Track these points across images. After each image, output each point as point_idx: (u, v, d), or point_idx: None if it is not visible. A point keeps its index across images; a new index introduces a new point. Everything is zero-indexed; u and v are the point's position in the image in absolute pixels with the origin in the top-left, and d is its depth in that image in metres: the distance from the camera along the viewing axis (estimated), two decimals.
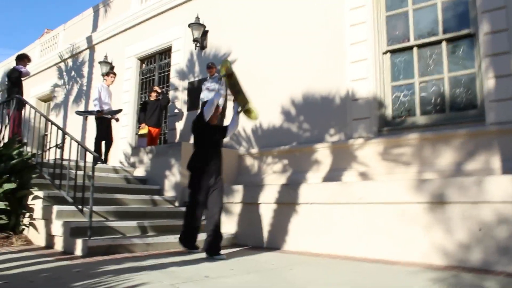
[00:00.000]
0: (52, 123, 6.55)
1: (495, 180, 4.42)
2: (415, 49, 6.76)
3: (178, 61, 10.48)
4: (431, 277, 3.96)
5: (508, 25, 5.81)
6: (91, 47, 13.47)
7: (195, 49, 9.97)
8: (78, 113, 10.90)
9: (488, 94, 5.89)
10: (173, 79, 10.47)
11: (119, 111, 9.84)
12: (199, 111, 8.37)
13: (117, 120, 9.64)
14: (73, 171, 5.78)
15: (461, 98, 6.33)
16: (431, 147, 6.17)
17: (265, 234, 6.14)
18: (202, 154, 5.30)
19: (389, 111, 6.92)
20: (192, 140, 8.88)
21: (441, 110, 6.45)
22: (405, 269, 4.39)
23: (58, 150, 6.16)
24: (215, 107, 5.41)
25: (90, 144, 11.84)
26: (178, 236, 5.53)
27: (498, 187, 4.36)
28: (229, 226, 6.63)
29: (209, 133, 5.45)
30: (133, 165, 8.51)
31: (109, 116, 9.40)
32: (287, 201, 5.92)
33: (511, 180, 4.31)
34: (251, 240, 6.32)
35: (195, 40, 9.75)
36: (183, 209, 6.97)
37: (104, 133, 9.33)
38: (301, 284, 3.64)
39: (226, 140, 8.83)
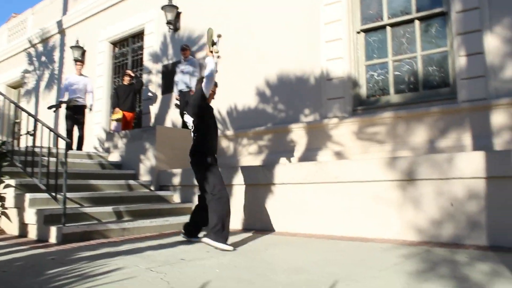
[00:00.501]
0: (23, 110, 6.40)
1: (466, 157, 4.49)
2: (388, 28, 6.78)
3: (151, 44, 10.32)
4: (404, 253, 4.03)
5: (480, 4, 5.86)
6: (61, 31, 13.15)
7: (169, 31, 9.83)
8: (49, 107, 10.63)
9: (460, 72, 5.96)
10: (147, 62, 10.33)
11: (57, 106, 9.75)
12: (194, 90, 8.30)
13: (90, 109, 9.52)
14: (46, 158, 5.67)
15: (434, 76, 6.40)
16: (405, 125, 6.23)
17: (241, 215, 6.14)
18: (211, 142, 4.88)
19: (363, 91, 6.95)
20: (167, 124, 8.78)
21: (415, 89, 6.51)
22: (379, 246, 4.46)
23: (30, 137, 6.03)
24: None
25: (63, 130, 11.65)
26: (154, 220, 5.49)
27: (469, 163, 4.43)
28: None
29: (211, 114, 5.00)
30: (107, 150, 8.39)
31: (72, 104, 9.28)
32: (263, 182, 5.93)
33: (481, 156, 4.39)
34: None
35: (168, 23, 9.61)
36: (159, 193, 6.97)
37: (70, 123, 9.21)
38: (278, 263, 3.66)
39: None
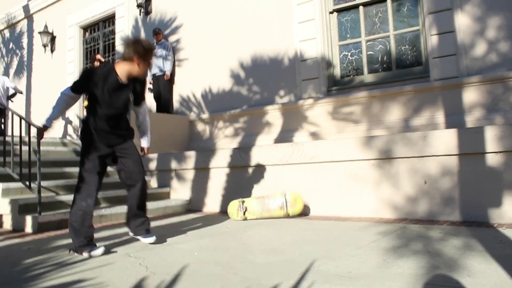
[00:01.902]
0: None
1: (439, 134, 4.57)
2: (361, 7, 6.80)
3: (122, 28, 10.13)
4: (380, 230, 4.10)
5: None
6: (29, 17, 12.79)
7: (140, 15, 9.65)
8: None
9: (432, 50, 6.03)
10: (119, 47, 10.14)
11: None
12: (167, 74, 8.20)
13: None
14: (18, 147, 5.55)
15: (406, 55, 6.46)
16: (379, 105, 6.30)
17: (219, 198, 6.16)
18: None
19: (337, 71, 6.98)
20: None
21: (388, 68, 6.57)
22: (356, 224, 4.53)
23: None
24: None
25: (35, 118, 11.43)
26: None
27: (442, 141, 4.51)
28: (182, 192, 6.62)
29: None
30: None
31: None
32: (240, 164, 5.94)
33: (453, 134, 4.47)
34: (205, 206, 6.33)
35: (139, 6, 9.44)
36: None
37: None
38: (256, 245, 3.69)
39: (176, 106, 8.73)
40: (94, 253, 3.49)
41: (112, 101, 3.67)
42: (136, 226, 3.93)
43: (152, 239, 3.86)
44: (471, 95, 5.68)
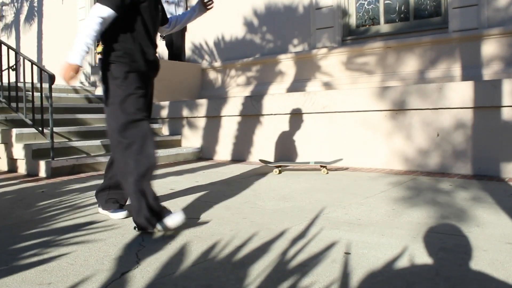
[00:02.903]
0: (2, 42, 6.18)
1: (455, 87, 4.48)
2: None
3: None
4: (390, 181, 4.10)
5: None
6: None
7: None
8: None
9: (452, 0, 5.82)
10: None
11: None
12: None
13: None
14: (30, 93, 5.56)
15: (425, 5, 6.25)
16: (395, 56, 6.16)
17: (230, 146, 6.17)
18: None
19: (353, 20, 6.80)
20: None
21: (405, 18, 6.38)
22: (366, 174, 4.53)
23: (13, 72, 5.87)
24: None
25: (46, 63, 11.40)
26: None
27: (458, 93, 4.43)
28: (193, 140, 6.64)
29: None
30: (93, 85, 8.26)
31: None
32: (251, 113, 5.91)
33: (469, 86, 4.37)
34: (216, 154, 6.36)
35: None
36: None
37: None
38: (266, 192, 3.71)
39: (189, 54, 8.63)
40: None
41: (157, 19, 2.93)
42: None
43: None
44: (490, 47, 5.51)
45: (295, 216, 2.87)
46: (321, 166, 4.80)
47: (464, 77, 5.55)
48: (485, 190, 3.59)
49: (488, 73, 5.45)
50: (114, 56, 2.69)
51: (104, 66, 2.72)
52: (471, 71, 5.55)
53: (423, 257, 2.03)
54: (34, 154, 5.19)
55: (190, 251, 2.19)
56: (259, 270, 1.91)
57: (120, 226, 2.70)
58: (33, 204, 3.42)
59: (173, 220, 2.48)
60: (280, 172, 4.82)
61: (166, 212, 2.55)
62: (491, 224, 2.58)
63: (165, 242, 2.35)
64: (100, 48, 9.25)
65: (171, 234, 2.49)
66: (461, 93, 4.41)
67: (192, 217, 2.88)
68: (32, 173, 5.15)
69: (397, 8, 6.45)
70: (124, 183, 2.66)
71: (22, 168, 5.32)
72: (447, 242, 2.26)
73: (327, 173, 4.69)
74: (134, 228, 2.59)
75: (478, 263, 1.94)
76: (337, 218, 2.80)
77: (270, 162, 5.07)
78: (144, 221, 2.50)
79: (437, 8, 6.13)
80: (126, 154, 2.62)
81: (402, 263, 1.97)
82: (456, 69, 5.70)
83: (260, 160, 5.19)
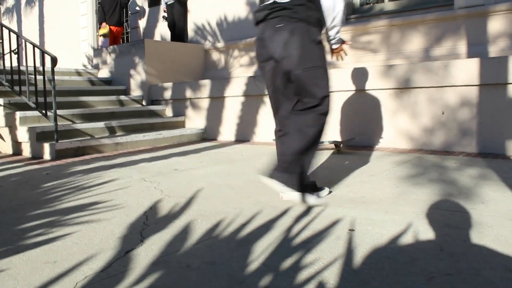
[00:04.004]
0: (3, 26, 6.14)
1: (461, 64, 4.42)
2: None
3: None
4: (395, 160, 4.09)
5: None
6: None
7: None
8: None
9: None
10: None
11: None
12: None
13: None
14: (33, 76, 5.54)
15: None
16: (399, 34, 6.08)
17: (234, 127, 6.16)
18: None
19: None
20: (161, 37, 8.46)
21: None
22: (371, 153, 4.51)
23: (15, 56, 5.85)
24: None
25: (49, 47, 11.37)
26: (147, 134, 5.47)
27: (463, 70, 4.37)
28: (197, 121, 6.63)
29: None
30: (96, 67, 8.23)
31: None
32: (255, 93, 5.88)
33: (475, 63, 4.32)
34: (220, 134, 6.36)
35: None
36: (151, 107, 6.95)
37: None
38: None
39: (191, 35, 8.57)
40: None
41: None
42: None
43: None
44: (497, 24, 5.43)
45: None
46: (335, 145, 4.76)
47: (470, 55, 5.49)
48: (490, 167, 3.57)
49: (494, 50, 5.38)
50: (314, 21, 2.57)
51: (303, 29, 2.52)
52: (477, 49, 5.48)
53: (427, 233, 2.03)
54: (38, 136, 5.20)
55: (194, 229, 2.19)
56: (263, 247, 1.92)
57: (124, 206, 2.71)
58: (38, 186, 3.44)
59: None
60: None
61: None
62: (496, 201, 2.57)
63: (169, 220, 2.36)
64: (102, 31, 9.21)
65: (175, 213, 2.49)
66: (466, 70, 4.36)
67: (196, 196, 2.88)
68: (36, 155, 5.17)
69: None
70: (312, 149, 2.62)
71: (26, 151, 5.34)
72: (452, 218, 2.25)
73: (339, 151, 4.65)
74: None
75: (482, 239, 1.94)
76: (341, 196, 2.79)
77: None
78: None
79: None
80: (324, 121, 2.60)
81: (406, 239, 1.97)
82: (462, 47, 5.63)
83: (274, 140, 5.19)
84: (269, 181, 2.60)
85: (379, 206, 2.52)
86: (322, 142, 4.83)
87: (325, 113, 2.60)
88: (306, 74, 2.53)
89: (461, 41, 5.65)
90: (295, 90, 2.63)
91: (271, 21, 2.56)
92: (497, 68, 4.21)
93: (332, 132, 5.22)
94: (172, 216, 2.45)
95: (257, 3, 2.45)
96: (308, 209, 2.49)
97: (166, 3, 8.35)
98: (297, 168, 2.55)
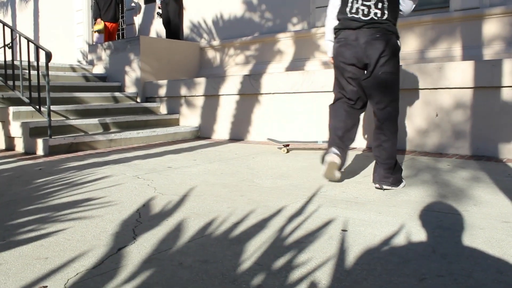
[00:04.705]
0: None
1: (455, 66, 4.44)
2: None
3: None
4: None
5: None
6: None
7: None
8: None
9: None
10: None
11: None
12: None
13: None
14: (27, 71, 5.51)
15: None
16: None
17: (229, 125, 6.16)
18: None
19: None
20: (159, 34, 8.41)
21: None
22: (365, 154, 4.53)
23: (9, 50, 5.81)
24: None
25: (43, 42, 11.31)
26: (141, 131, 5.43)
27: (458, 73, 4.39)
28: (192, 119, 6.62)
29: None
30: (91, 63, 8.19)
31: None
32: (250, 92, 5.88)
33: (470, 66, 4.34)
34: (214, 133, 6.35)
35: None
36: (146, 104, 6.93)
37: None
38: (263, 170, 3.71)
39: (187, 32, 8.55)
40: None
41: None
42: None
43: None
44: (491, 27, 5.46)
45: (292, 194, 2.87)
46: None
47: (465, 57, 5.51)
48: (483, 170, 3.59)
49: (489, 53, 5.41)
50: (397, 33, 3.02)
51: (393, 40, 2.97)
52: (472, 51, 5.51)
53: (419, 235, 2.04)
54: (31, 132, 5.17)
55: (187, 227, 2.19)
56: (256, 246, 1.92)
57: (117, 203, 2.70)
58: (30, 182, 3.42)
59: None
60: (288, 151, 4.81)
61: None
62: (488, 203, 2.58)
63: (162, 218, 2.35)
64: (96, 27, 9.16)
65: (168, 211, 2.49)
66: (461, 73, 4.38)
67: (189, 195, 2.88)
68: (29, 151, 5.14)
69: None
70: (393, 148, 3.01)
71: (19, 146, 5.31)
72: (444, 220, 2.26)
73: None
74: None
75: (474, 241, 1.95)
76: (335, 196, 2.80)
77: (278, 141, 5.05)
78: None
79: None
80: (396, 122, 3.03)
81: (399, 240, 1.97)
82: (457, 49, 5.65)
83: (268, 139, 5.20)
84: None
85: (372, 207, 2.52)
86: (316, 142, 4.85)
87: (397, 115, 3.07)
88: (388, 78, 2.96)
89: (456, 43, 5.68)
90: (369, 91, 3.04)
91: (368, 31, 2.95)
92: (491, 71, 4.23)
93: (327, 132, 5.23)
94: (165, 213, 2.44)
95: (334, 5, 2.85)
96: (301, 209, 2.49)
97: (161, 0, 8.33)
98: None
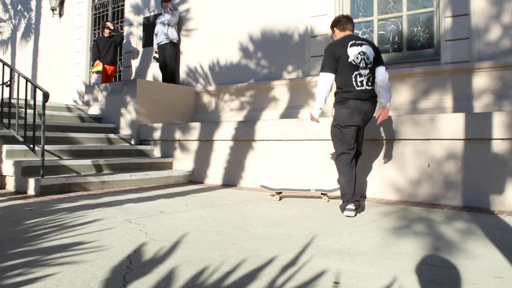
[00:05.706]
0: None
1: (447, 118, 4.53)
2: None
3: None
4: (381, 210, 4.10)
5: None
6: None
7: None
8: None
9: (445, 33, 5.93)
10: (128, 14, 10.02)
11: None
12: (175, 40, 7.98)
13: None
14: (23, 110, 5.54)
15: (418, 37, 6.35)
16: None
17: (222, 171, 6.16)
18: None
19: None
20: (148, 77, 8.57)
21: (399, 49, 6.47)
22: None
23: (6, 88, 5.87)
24: None
25: (41, 81, 11.41)
26: (134, 173, 5.42)
27: (449, 124, 4.48)
28: (185, 163, 6.63)
29: None
30: (87, 103, 8.25)
31: None
32: (244, 138, 5.93)
33: (461, 118, 4.43)
34: (207, 178, 6.35)
35: None
36: (140, 147, 6.95)
37: None
38: (256, 218, 3.70)
39: (183, 77, 8.68)
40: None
41: None
42: None
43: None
44: (481, 80, 5.60)
45: (284, 243, 2.86)
46: (321, 193, 4.80)
47: (456, 109, 5.62)
48: (475, 222, 3.60)
49: (479, 105, 5.52)
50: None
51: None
52: (463, 103, 5.63)
53: None
54: (24, 171, 5.15)
55: (178, 276, 2.16)
56: None
57: (108, 248, 2.67)
58: (20, 222, 3.38)
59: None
60: (280, 198, 4.81)
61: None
62: (480, 256, 2.58)
63: (154, 265, 2.32)
64: (95, 68, 9.30)
65: (159, 258, 2.46)
66: (452, 124, 4.46)
67: (181, 241, 2.85)
68: (20, 190, 5.10)
69: (390, 39, 6.55)
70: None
71: (10, 185, 5.27)
72: (437, 274, 2.25)
73: (328, 201, 4.67)
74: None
75: None
76: (327, 246, 2.79)
77: (271, 189, 5.05)
78: None
79: (429, 40, 6.24)
80: None
81: None
82: (448, 101, 5.77)
83: (261, 186, 5.20)
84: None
85: (365, 258, 2.51)
86: (309, 190, 4.85)
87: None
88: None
89: (447, 95, 5.80)
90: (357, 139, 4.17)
91: (370, 99, 4.02)
92: (481, 123, 4.31)
93: (321, 180, 5.25)
94: (156, 260, 2.42)
95: (354, 83, 4.05)
96: (294, 259, 2.47)
97: (158, 44, 8.49)
98: None
